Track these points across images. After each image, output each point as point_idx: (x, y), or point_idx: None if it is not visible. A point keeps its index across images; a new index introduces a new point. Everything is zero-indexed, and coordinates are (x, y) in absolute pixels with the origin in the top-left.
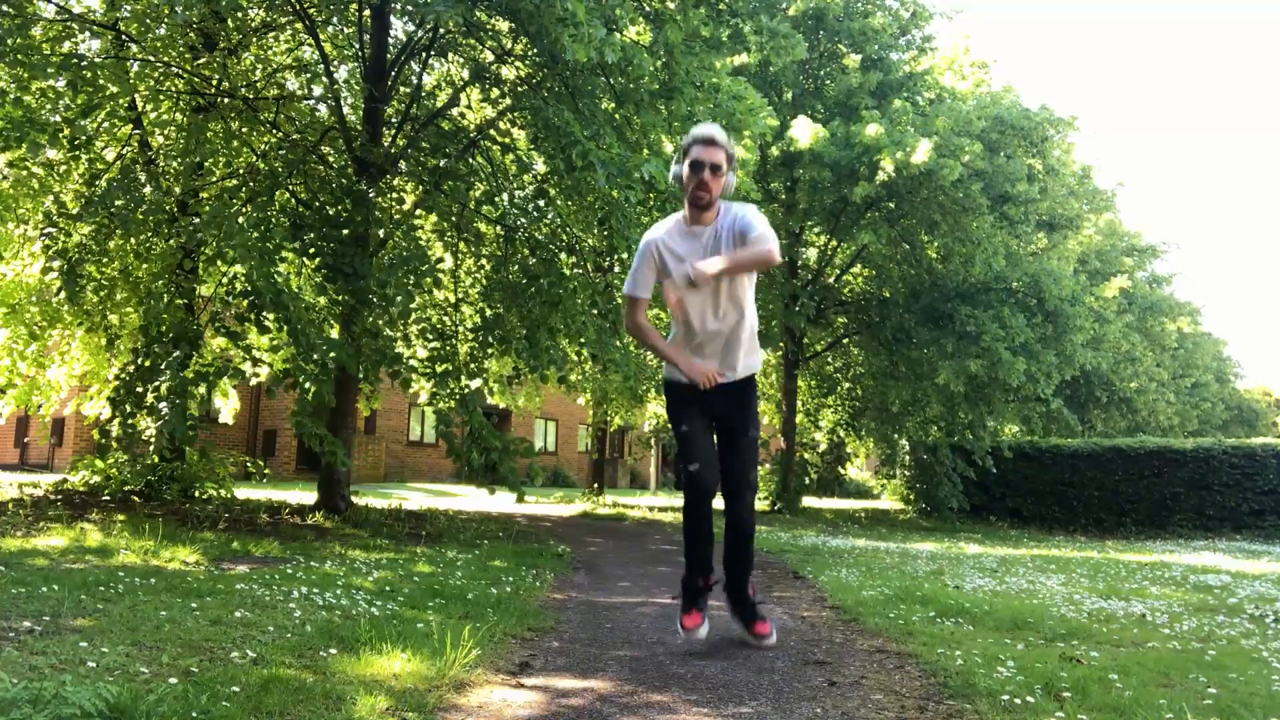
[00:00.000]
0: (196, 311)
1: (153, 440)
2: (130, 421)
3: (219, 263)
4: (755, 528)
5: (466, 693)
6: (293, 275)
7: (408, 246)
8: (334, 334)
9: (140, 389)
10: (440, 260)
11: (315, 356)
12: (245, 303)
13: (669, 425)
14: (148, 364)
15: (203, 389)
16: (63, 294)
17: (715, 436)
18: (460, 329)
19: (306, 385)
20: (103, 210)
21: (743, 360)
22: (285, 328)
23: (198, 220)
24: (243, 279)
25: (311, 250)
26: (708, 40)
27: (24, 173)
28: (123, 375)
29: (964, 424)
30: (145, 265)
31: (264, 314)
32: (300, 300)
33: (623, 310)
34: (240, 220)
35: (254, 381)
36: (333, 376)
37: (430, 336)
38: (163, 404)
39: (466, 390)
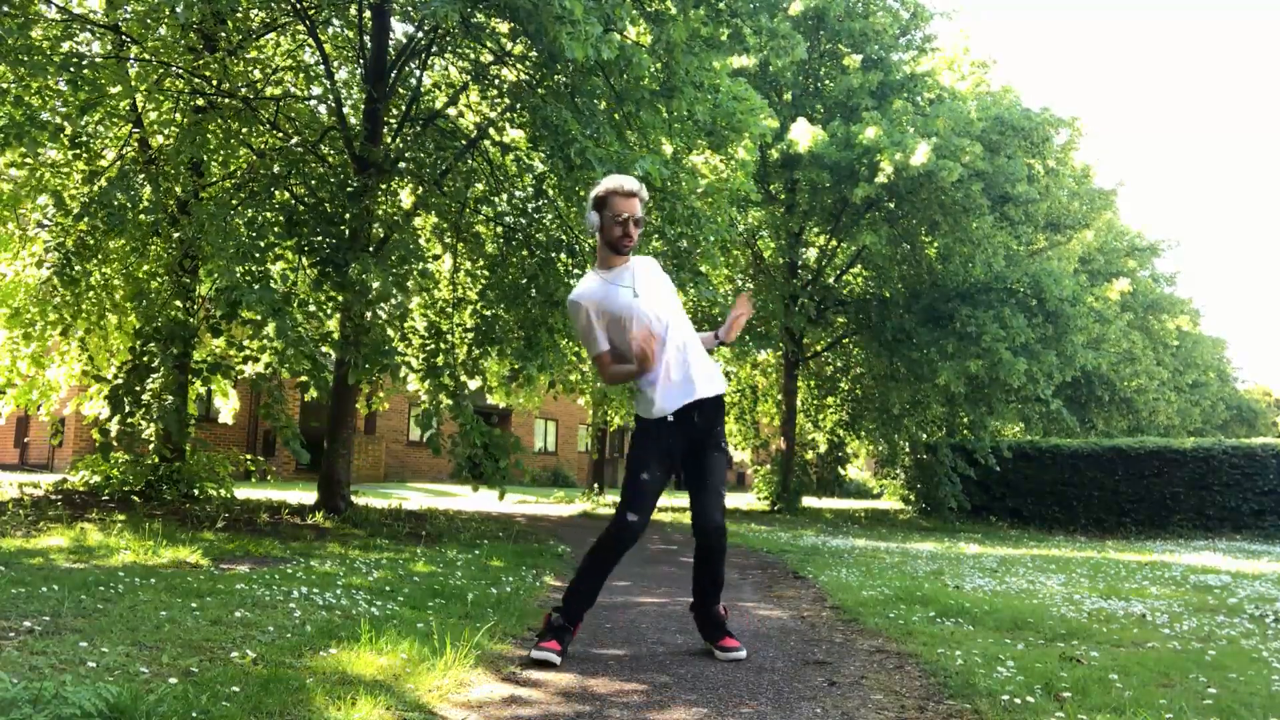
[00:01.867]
0: (193, 311)
1: (152, 440)
2: (130, 420)
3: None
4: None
5: (466, 692)
6: (290, 272)
7: (399, 238)
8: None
9: (138, 387)
10: (437, 258)
11: (304, 351)
12: (222, 299)
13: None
14: (144, 360)
15: (200, 387)
16: (55, 281)
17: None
18: (456, 328)
19: (294, 381)
20: (101, 210)
21: (712, 372)
22: (270, 322)
23: (193, 220)
24: (218, 275)
25: (307, 247)
26: (707, 40)
27: (23, 172)
28: (119, 375)
29: (964, 424)
30: (145, 265)
31: (239, 310)
32: (291, 297)
33: (599, 371)
34: (235, 219)
35: (264, 383)
36: (322, 371)
37: (426, 335)
38: (153, 400)
39: (463, 388)
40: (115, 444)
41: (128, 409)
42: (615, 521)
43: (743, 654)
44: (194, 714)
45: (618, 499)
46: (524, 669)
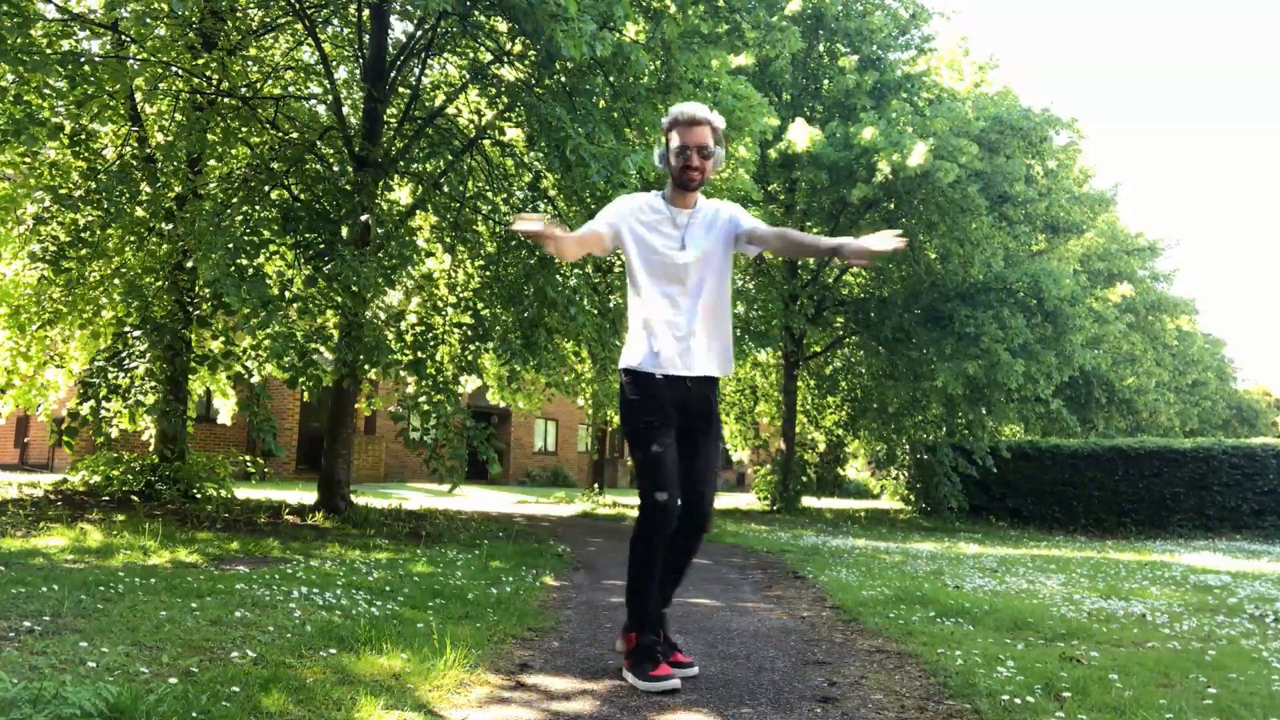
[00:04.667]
0: (188, 308)
1: (153, 440)
2: (107, 407)
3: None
4: None
5: (466, 693)
6: (286, 269)
7: (389, 231)
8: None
9: (113, 374)
10: (432, 255)
11: (292, 346)
12: (209, 292)
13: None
14: (124, 347)
15: (200, 387)
16: (48, 271)
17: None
18: (452, 327)
19: (296, 380)
20: (100, 196)
21: (728, 351)
22: (258, 315)
23: (188, 217)
24: (206, 268)
25: (303, 244)
26: (705, 36)
27: (22, 172)
28: (97, 360)
29: (963, 424)
30: (140, 256)
31: (224, 300)
32: (284, 294)
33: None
34: (232, 215)
35: (253, 380)
36: (311, 368)
37: (418, 333)
38: (134, 385)
39: (449, 382)
40: (88, 429)
41: (104, 395)
42: (645, 511)
43: (692, 671)
44: (194, 714)
45: (618, 499)
46: (523, 669)
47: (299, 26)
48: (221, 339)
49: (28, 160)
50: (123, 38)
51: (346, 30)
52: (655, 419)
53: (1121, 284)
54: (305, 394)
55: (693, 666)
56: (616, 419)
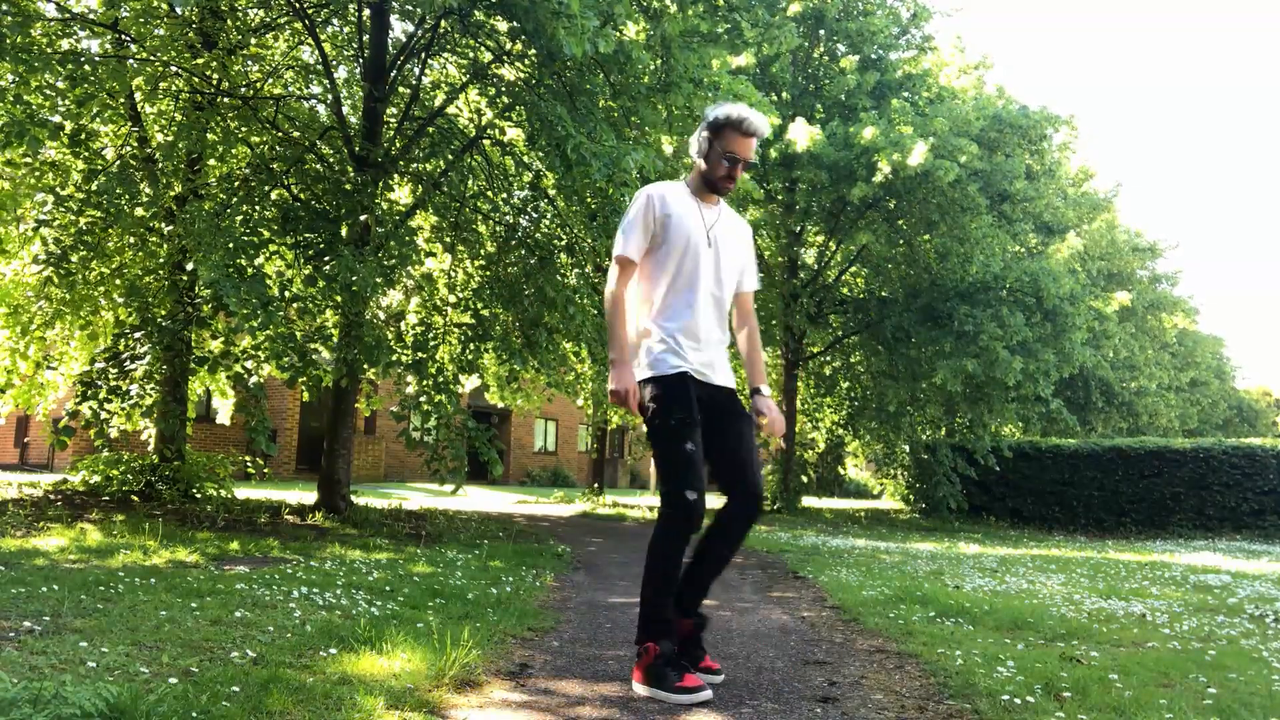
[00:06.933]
0: (189, 306)
1: (153, 440)
2: (108, 408)
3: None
4: None
5: (467, 693)
6: (286, 269)
7: (393, 232)
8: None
9: (114, 374)
10: (432, 255)
11: (291, 346)
12: (209, 293)
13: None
14: (125, 348)
15: (199, 387)
16: (52, 274)
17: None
18: (452, 327)
19: (296, 380)
20: (101, 197)
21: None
22: (258, 315)
23: (188, 218)
24: (205, 269)
25: (302, 243)
26: (705, 35)
27: (21, 171)
28: (97, 359)
29: (963, 424)
30: (140, 256)
31: (224, 301)
32: (284, 293)
33: (610, 275)
34: (232, 215)
35: (251, 381)
36: (311, 368)
37: (419, 334)
38: (134, 386)
39: (450, 383)
40: (81, 429)
41: (104, 396)
42: (675, 511)
43: (719, 679)
44: (194, 714)
45: (618, 499)
46: (523, 670)
47: (299, 26)
48: (221, 340)
49: (29, 160)
50: (122, 37)
51: (346, 30)
52: (684, 415)
53: (1120, 292)
54: (305, 394)
55: (720, 673)
56: (616, 419)
